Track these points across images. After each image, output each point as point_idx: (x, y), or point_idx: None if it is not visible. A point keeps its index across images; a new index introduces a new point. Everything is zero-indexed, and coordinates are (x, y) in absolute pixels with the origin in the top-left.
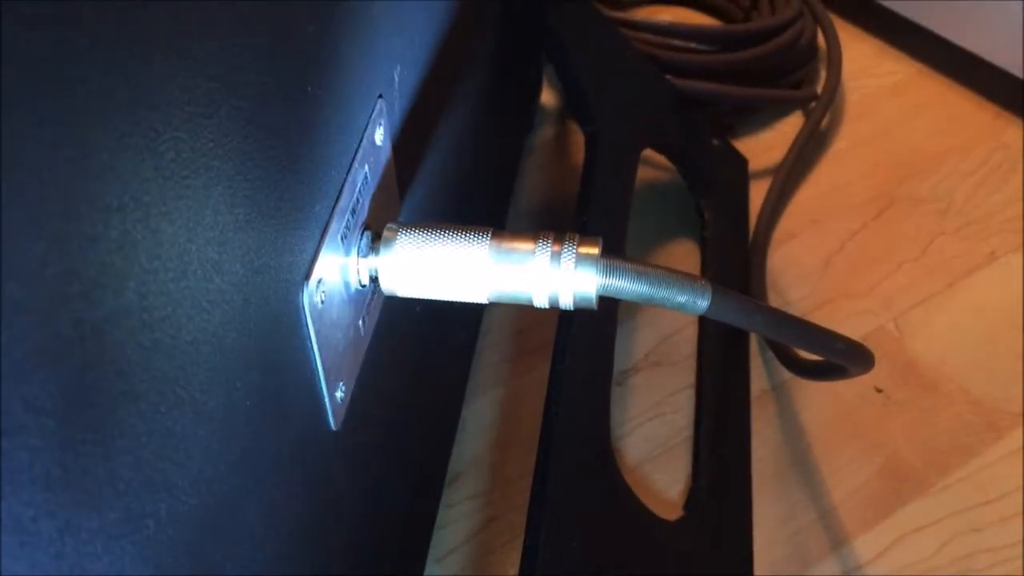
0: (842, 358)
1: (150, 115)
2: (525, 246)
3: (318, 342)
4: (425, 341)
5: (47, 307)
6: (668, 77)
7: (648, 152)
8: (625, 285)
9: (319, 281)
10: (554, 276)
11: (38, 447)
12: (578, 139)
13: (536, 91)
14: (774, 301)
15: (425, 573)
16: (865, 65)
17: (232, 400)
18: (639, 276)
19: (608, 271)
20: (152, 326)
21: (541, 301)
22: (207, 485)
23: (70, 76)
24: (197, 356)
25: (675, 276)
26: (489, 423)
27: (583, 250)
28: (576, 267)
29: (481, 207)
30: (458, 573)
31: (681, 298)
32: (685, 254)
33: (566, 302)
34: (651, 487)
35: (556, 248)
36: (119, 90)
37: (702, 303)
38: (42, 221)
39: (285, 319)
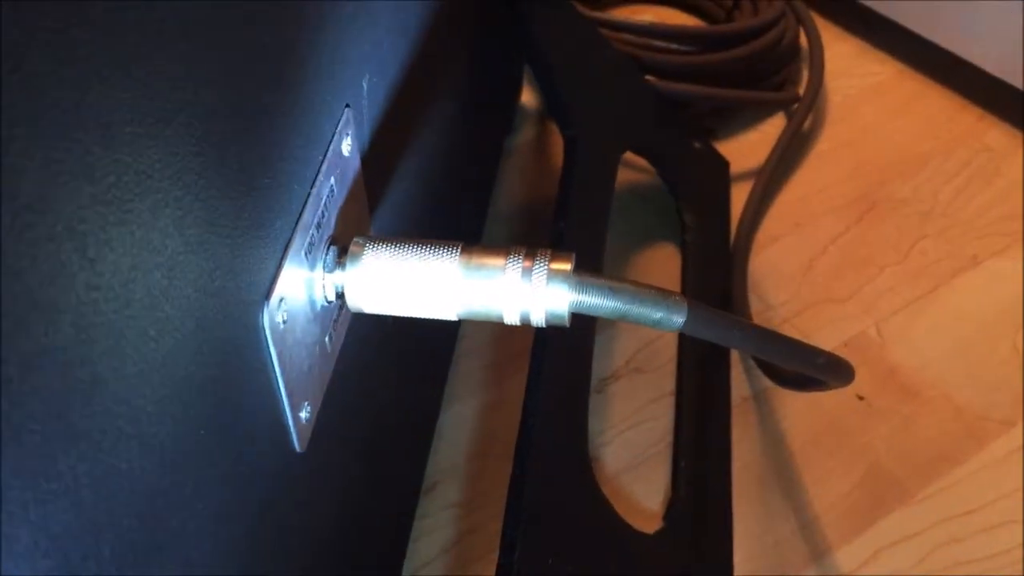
0: (823, 373)
1: (85, 137)
2: (495, 261)
3: (280, 363)
4: (398, 352)
5: None
6: (649, 78)
7: (628, 154)
8: (598, 302)
9: (281, 300)
10: (525, 293)
11: None
12: (559, 140)
13: (516, 92)
14: (756, 306)
15: None
16: (847, 65)
17: (184, 430)
18: (612, 293)
19: (581, 288)
20: (92, 360)
21: (512, 318)
22: (156, 523)
23: None
24: (144, 387)
25: (650, 292)
26: (466, 431)
27: (555, 266)
28: (548, 284)
29: (458, 214)
30: None
31: (656, 315)
32: (665, 258)
33: (538, 319)
34: (631, 497)
35: (527, 264)
36: (48, 112)
37: (678, 319)
38: None
39: (244, 341)
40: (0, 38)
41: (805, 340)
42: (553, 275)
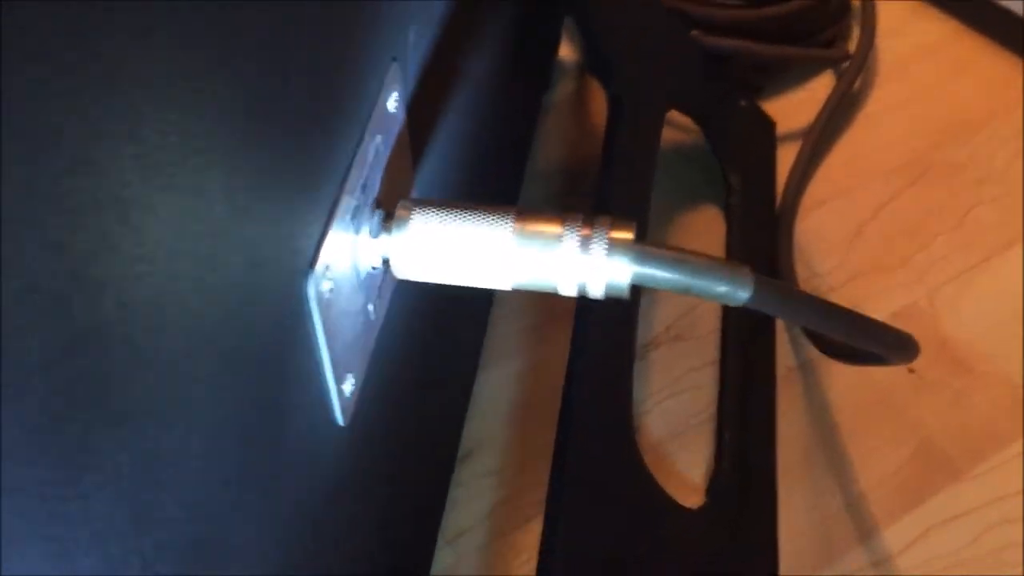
0: (890, 351)
1: (129, 93)
2: (552, 229)
3: (325, 334)
4: (437, 316)
5: (8, 335)
6: (694, 33)
7: (672, 113)
8: (661, 274)
9: (326, 267)
10: (583, 264)
11: None
12: (597, 95)
13: (555, 46)
14: (802, 273)
15: (436, 554)
16: (900, 23)
17: (228, 410)
18: (676, 264)
19: (642, 259)
20: (135, 339)
21: (568, 290)
22: (201, 508)
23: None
24: (189, 366)
25: (714, 265)
26: (503, 397)
27: (615, 235)
28: (608, 255)
29: (496, 171)
30: (470, 554)
31: (721, 288)
32: (709, 221)
33: (596, 291)
34: (672, 467)
35: (586, 232)
36: (91, 64)
37: (743, 294)
38: None
39: (289, 312)
40: None
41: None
42: (614, 245)
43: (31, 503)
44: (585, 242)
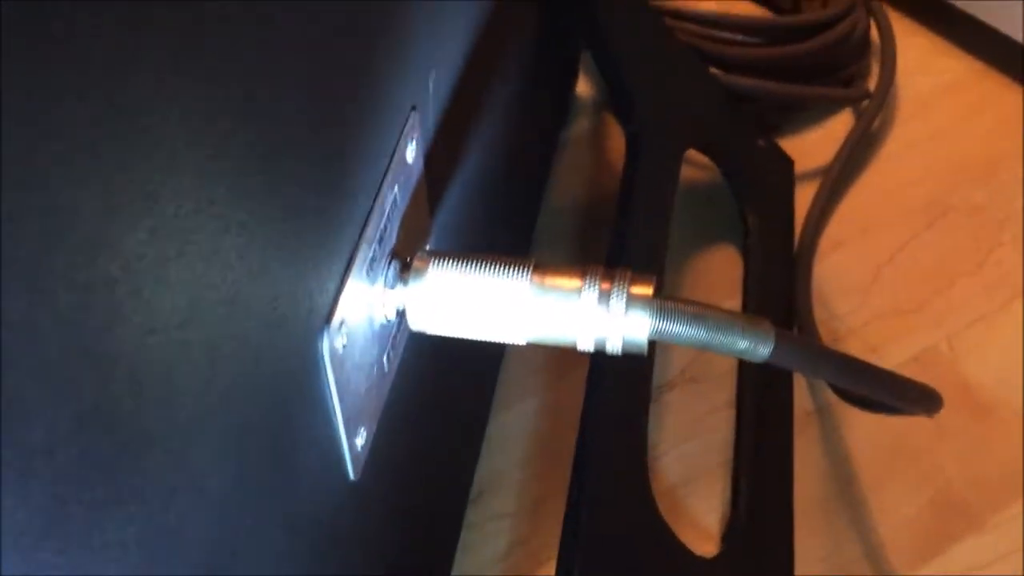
0: (914, 406)
1: (147, 165)
2: (570, 283)
3: (338, 390)
4: (450, 360)
5: (12, 417)
6: (712, 71)
7: (691, 151)
8: (680, 330)
9: (341, 322)
10: (602, 319)
11: None
12: (614, 131)
13: (572, 81)
14: (820, 315)
15: None
16: (920, 62)
17: (239, 473)
18: (696, 321)
19: (662, 315)
20: (143, 413)
21: (586, 345)
22: (213, 573)
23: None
24: (197, 436)
25: (735, 321)
26: (516, 438)
27: (635, 290)
28: (627, 310)
29: (513, 208)
30: None
31: (741, 345)
32: (727, 261)
33: (614, 347)
34: (688, 513)
35: (605, 287)
36: (108, 140)
37: (763, 350)
38: (5, 310)
39: (302, 369)
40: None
41: (872, 354)
42: (633, 300)
43: None
44: (604, 297)
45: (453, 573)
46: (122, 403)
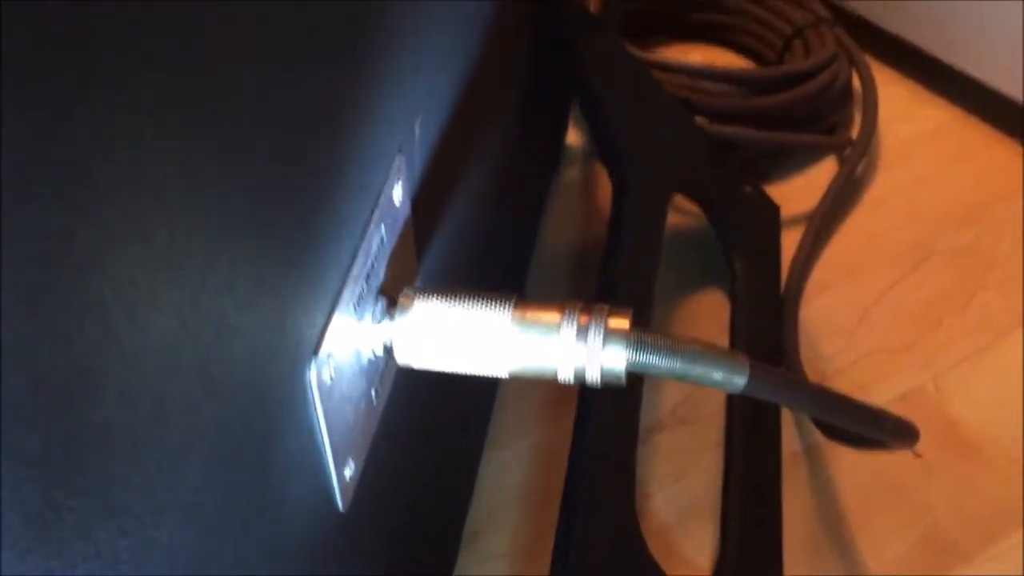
0: (890, 437)
1: (139, 195)
2: (550, 318)
3: (326, 421)
4: (441, 399)
5: (8, 425)
6: (699, 120)
7: (677, 198)
8: (656, 362)
9: (329, 355)
10: (581, 351)
11: None
12: (604, 179)
13: (563, 130)
14: (807, 356)
15: None
16: (902, 110)
17: (228, 497)
18: (672, 353)
19: (639, 347)
20: (135, 430)
21: (566, 376)
22: None
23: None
24: (187, 455)
25: (710, 352)
26: (510, 478)
27: (613, 324)
28: (605, 343)
29: (503, 256)
30: None
31: (717, 375)
32: (714, 305)
33: (593, 378)
34: (677, 554)
35: (583, 321)
36: (104, 172)
37: (739, 381)
38: (3, 327)
39: (290, 399)
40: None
41: (860, 393)
42: (610, 334)
43: None
44: (582, 331)
45: None
46: (115, 421)
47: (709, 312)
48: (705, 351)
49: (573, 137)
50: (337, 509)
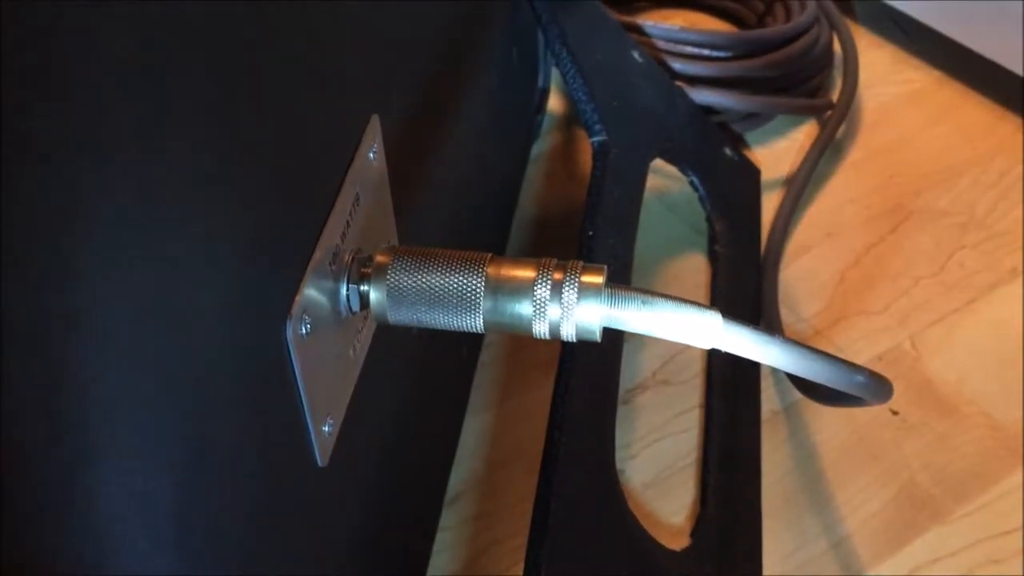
0: (861, 391)
1: (112, 147)
2: (525, 274)
3: (303, 377)
4: (424, 358)
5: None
6: (678, 84)
7: (658, 161)
8: (630, 316)
9: (304, 311)
10: (555, 307)
11: None
12: (586, 146)
13: (543, 97)
14: (787, 317)
15: None
16: (883, 73)
17: (208, 450)
18: (645, 307)
19: (612, 302)
20: (115, 380)
21: (541, 332)
22: (175, 549)
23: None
24: (168, 407)
25: (683, 306)
26: (490, 441)
27: (586, 279)
28: (579, 298)
29: (483, 221)
30: None
31: (690, 330)
32: (694, 268)
33: (568, 334)
34: (657, 513)
35: (558, 277)
36: (73, 118)
37: (712, 335)
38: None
39: (268, 355)
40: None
41: (838, 353)
42: (584, 289)
43: None
44: (557, 286)
45: (429, 574)
46: (90, 364)
47: (689, 275)
48: (677, 305)
49: (555, 102)
50: (316, 464)
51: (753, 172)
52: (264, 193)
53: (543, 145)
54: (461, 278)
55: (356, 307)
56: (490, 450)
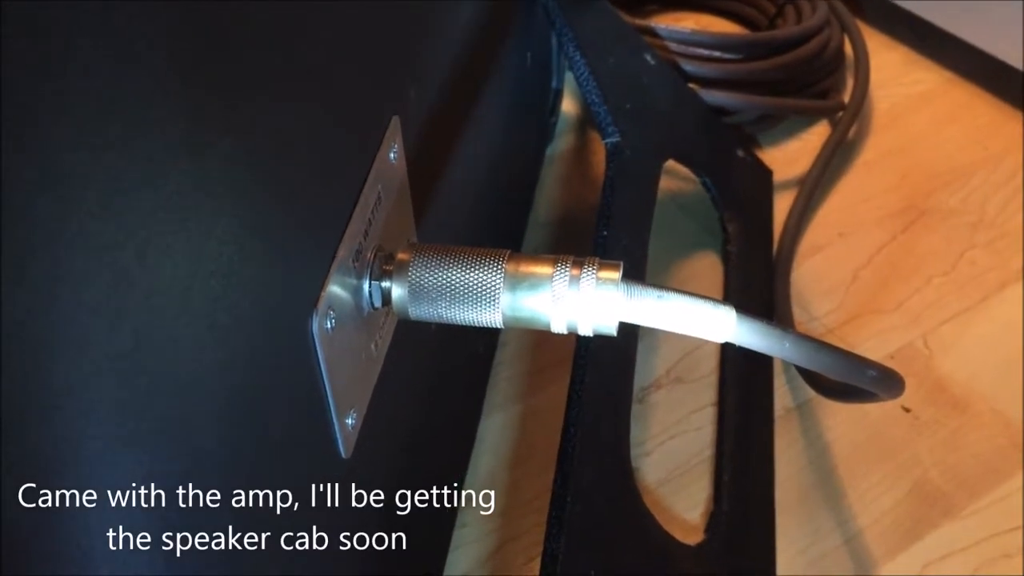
0: (873, 386)
1: (149, 145)
2: (543, 270)
3: (328, 370)
4: (442, 355)
5: (26, 362)
6: (691, 86)
7: (671, 163)
8: (646, 311)
9: (329, 307)
10: (572, 302)
11: None
12: (599, 148)
13: (557, 99)
14: (799, 316)
15: None
16: (894, 74)
17: (234, 440)
18: (660, 302)
19: (628, 297)
20: (149, 368)
21: (559, 327)
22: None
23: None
24: (197, 397)
25: (697, 302)
26: (506, 439)
27: (603, 275)
28: (595, 293)
29: (499, 221)
30: None
31: (704, 324)
32: (707, 268)
33: (584, 329)
34: (672, 509)
35: (575, 273)
36: (114, 122)
37: (726, 329)
38: (27, 267)
39: (293, 349)
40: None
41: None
42: (601, 284)
43: None
44: (574, 281)
45: (446, 569)
46: (129, 357)
47: (703, 274)
48: (692, 299)
49: (568, 104)
50: (340, 456)
51: (765, 173)
52: (293, 193)
53: (557, 147)
54: (480, 274)
55: (378, 303)
56: (506, 448)
